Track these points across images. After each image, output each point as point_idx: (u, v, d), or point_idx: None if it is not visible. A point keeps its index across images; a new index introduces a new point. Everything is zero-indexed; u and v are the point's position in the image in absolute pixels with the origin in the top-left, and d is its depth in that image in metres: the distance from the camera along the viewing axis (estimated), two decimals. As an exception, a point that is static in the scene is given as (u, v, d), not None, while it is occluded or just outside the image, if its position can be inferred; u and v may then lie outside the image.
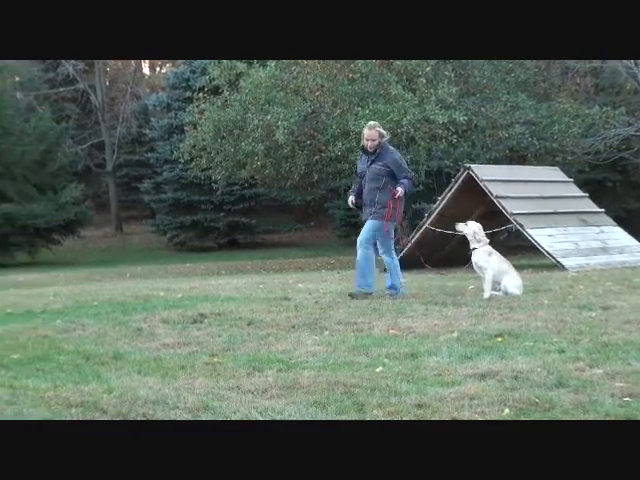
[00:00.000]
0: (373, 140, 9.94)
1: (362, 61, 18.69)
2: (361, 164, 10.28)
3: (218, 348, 6.96)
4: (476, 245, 9.54)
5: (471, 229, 9.66)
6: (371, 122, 10.50)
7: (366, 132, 10.09)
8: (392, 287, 9.93)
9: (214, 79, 22.21)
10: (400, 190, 9.70)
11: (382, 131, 10.14)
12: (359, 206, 10.37)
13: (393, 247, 10.19)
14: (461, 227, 9.82)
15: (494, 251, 9.58)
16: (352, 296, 9.75)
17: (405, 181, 9.83)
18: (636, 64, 23.98)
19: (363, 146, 10.16)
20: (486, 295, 9.20)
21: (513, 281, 9.36)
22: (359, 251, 9.96)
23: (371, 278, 10.01)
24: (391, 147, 10.48)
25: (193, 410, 4.75)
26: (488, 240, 9.74)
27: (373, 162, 9.99)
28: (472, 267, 9.83)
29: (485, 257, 9.44)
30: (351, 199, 10.38)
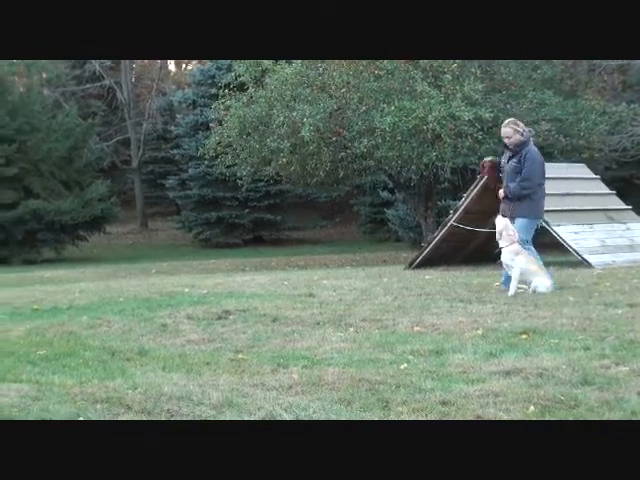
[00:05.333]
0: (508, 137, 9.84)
1: (387, 58, 18.64)
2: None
3: (243, 344, 6.98)
4: (502, 243, 9.46)
5: (501, 224, 9.58)
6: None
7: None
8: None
9: (240, 76, 22.22)
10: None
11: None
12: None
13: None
14: (498, 221, 9.74)
15: (522, 251, 9.46)
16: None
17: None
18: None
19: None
20: (511, 292, 9.16)
21: (544, 282, 9.30)
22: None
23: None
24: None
25: (217, 406, 4.76)
26: (516, 238, 9.59)
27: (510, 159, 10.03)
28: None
29: (511, 257, 9.37)
30: None
